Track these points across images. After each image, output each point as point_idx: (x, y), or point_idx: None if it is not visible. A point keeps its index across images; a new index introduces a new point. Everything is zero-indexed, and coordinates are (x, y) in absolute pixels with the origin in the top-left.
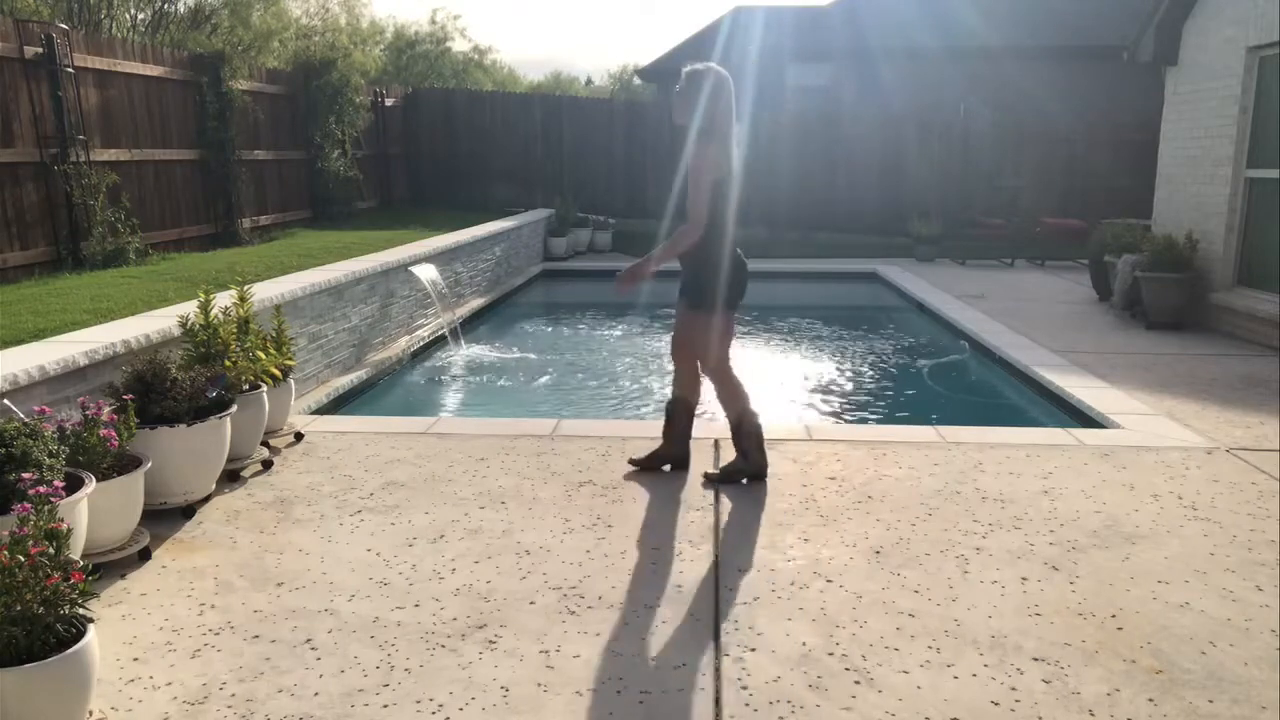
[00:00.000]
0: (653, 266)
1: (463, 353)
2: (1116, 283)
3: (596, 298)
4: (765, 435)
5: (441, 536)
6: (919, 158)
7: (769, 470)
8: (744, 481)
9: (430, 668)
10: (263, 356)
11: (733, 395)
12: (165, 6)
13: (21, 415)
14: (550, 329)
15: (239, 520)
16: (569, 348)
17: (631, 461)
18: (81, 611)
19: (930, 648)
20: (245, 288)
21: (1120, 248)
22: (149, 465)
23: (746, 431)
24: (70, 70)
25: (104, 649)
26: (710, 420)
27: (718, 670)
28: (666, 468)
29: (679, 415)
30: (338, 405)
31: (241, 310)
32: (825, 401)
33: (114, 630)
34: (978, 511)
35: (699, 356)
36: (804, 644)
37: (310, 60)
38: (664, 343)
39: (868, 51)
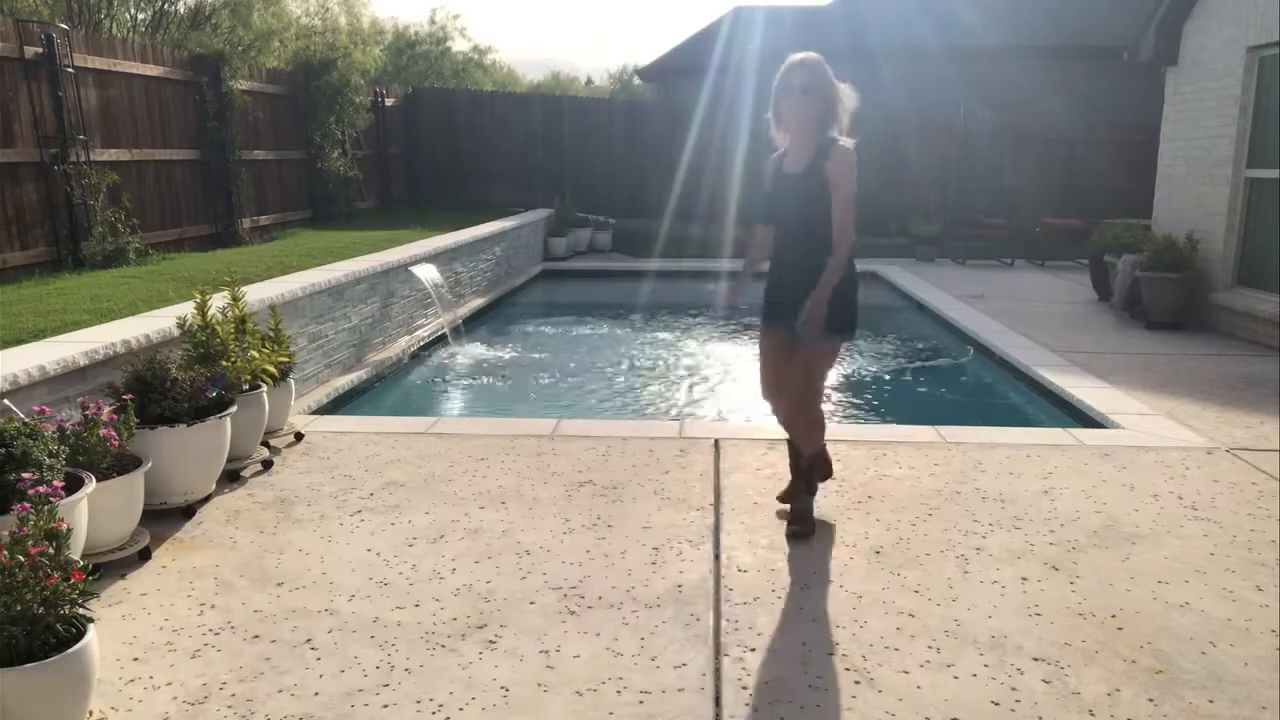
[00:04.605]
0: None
1: (463, 353)
2: (1116, 283)
3: (597, 298)
4: (767, 435)
5: (441, 536)
6: (919, 157)
7: (769, 471)
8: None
9: (430, 668)
10: (256, 355)
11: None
12: (165, 6)
13: (21, 415)
14: (550, 329)
15: (239, 520)
16: (569, 348)
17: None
18: (81, 611)
19: (930, 648)
20: (237, 288)
21: (1120, 248)
22: (149, 465)
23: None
24: (70, 70)
25: (104, 649)
26: (705, 419)
27: (718, 670)
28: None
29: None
30: (338, 405)
31: (236, 310)
32: (825, 402)
33: (114, 630)
34: (978, 511)
35: None
36: (804, 644)
37: (310, 60)
38: (662, 343)
39: (867, 51)
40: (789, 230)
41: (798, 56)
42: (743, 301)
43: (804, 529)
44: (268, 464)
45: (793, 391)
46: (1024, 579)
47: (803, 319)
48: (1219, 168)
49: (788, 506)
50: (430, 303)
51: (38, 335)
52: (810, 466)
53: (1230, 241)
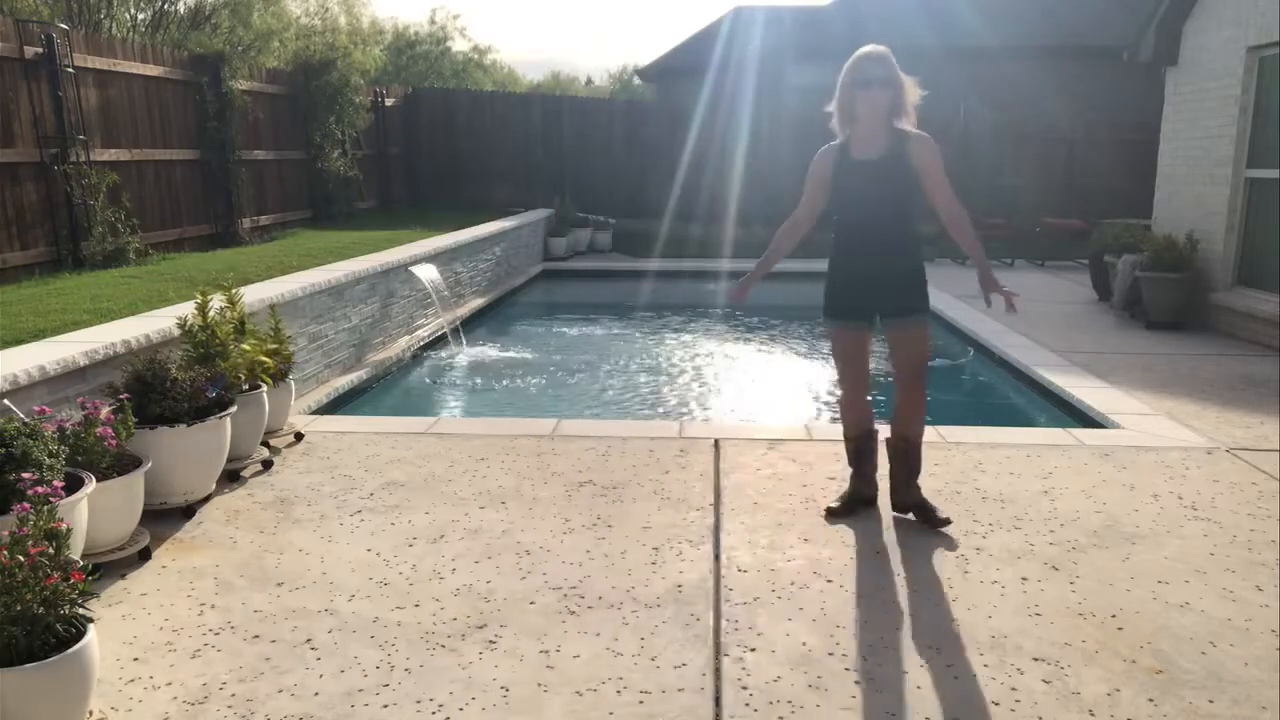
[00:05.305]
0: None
1: (463, 353)
2: (1116, 283)
3: (597, 298)
4: (767, 435)
5: (441, 536)
6: None
7: (769, 471)
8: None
9: (430, 668)
10: (248, 348)
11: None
12: (165, 6)
13: (21, 415)
14: (550, 329)
15: (239, 520)
16: (569, 348)
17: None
18: (81, 611)
19: (930, 648)
20: (234, 290)
21: (1120, 248)
22: (149, 465)
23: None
24: (70, 70)
25: (104, 649)
26: (705, 419)
27: (718, 670)
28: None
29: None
30: (338, 405)
31: (233, 312)
32: (826, 402)
33: (114, 630)
34: (978, 511)
35: None
36: (804, 644)
37: (310, 60)
38: (663, 342)
39: None
40: (865, 216)
41: (865, 49)
42: (747, 301)
43: (943, 516)
44: (268, 464)
45: (904, 383)
46: (1024, 579)
47: (992, 298)
48: (1219, 168)
49: (892, 509)
50: (430, 303)
51: (38, 335)
52: (918, 454)
53: (1230, 241)
